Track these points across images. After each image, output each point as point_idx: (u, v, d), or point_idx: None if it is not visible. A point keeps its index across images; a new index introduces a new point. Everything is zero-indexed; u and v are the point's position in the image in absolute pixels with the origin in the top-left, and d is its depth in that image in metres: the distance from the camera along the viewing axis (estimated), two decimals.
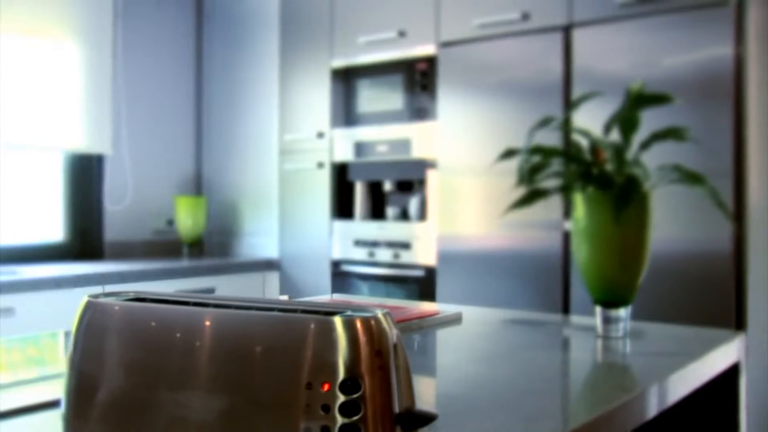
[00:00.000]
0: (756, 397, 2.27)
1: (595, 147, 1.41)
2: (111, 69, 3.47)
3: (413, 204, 3.17)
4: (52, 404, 0.92)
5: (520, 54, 2.73)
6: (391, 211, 3.25)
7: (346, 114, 3.33)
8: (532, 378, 1.13)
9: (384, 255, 3.17)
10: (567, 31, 2.61)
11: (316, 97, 3.40)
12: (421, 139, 3.05)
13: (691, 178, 1.45)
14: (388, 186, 3.27)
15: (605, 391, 1.07)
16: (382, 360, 0.60)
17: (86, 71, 3.36)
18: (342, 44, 3.30)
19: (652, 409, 1.07)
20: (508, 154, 1.51)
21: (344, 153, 3.30)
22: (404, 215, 3.24)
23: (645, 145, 1.43)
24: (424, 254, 3.05)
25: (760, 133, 2.45)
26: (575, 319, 1.82)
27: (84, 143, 3.37)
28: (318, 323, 0.61)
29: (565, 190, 1.51)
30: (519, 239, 2.73)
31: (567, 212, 2.59)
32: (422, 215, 3.13)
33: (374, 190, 3.38)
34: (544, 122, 1.44)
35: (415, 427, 0.61)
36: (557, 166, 1.54)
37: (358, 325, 0.60)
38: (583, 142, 1.50)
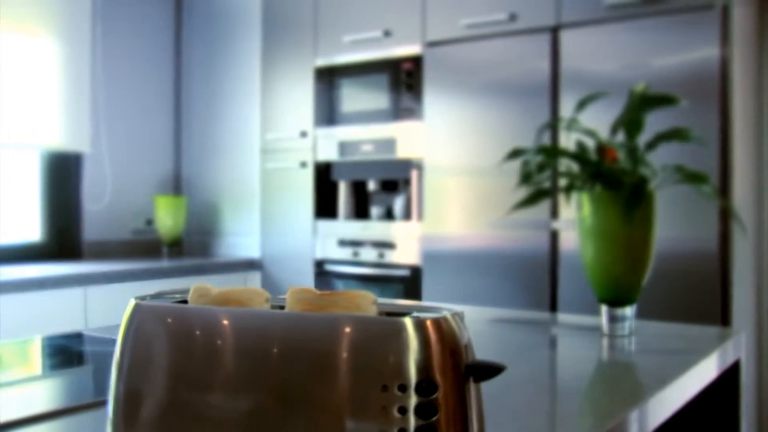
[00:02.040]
0: (744, 391, 2.31)
1: (602, 147, 1.43)
2: (89, 66, 3.41)
3: (398, 204, 3.17)
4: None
5: (508, 54, 2.74)
6: (375, 210, 3.25)
7: (329, 113, 3.32)
8: (552, 377, 1.14)
9: (368, 254, 3.16)
10: (555, 32, 2.63)
11: (299, 96, 3.39)
12: (406, 138, 3.05)
13: (694, 178, 1.47)
14: (372, 186, 3.27)
15: (629, 390, 1.08)
16: (456, 360, 0.60)
17: (64, 68, 3.30)
18: (326, 43, 3.29)
19: (674, 406, 1.09)
20: (515, 154, 1.52)
21: (328, 152, 3.29)
22: (388, 215, 3.24)
23: (651, 145, 1.44)
24: (408, 254, 3.05)
25: (746, 134, 2.49)
26: (574, 318, 1.84)
27: (62, 141, 3.31)
28: (389, 325, 0.60)
29: (568, 190, 1.52)
30: (506, 239, 2.74)
31: (554, 212, 2.61)
32: (407, 215, 3.13)
33: (358, 189, 3.37)
34: (552, 123, 1.45)
35: (485, 378, 0.61)
36: (561, 167, 1.55)
37: (429, 326, 0.60)
38: (589, 142, 1.51)
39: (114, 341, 1.39)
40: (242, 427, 0.64)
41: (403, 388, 0.58)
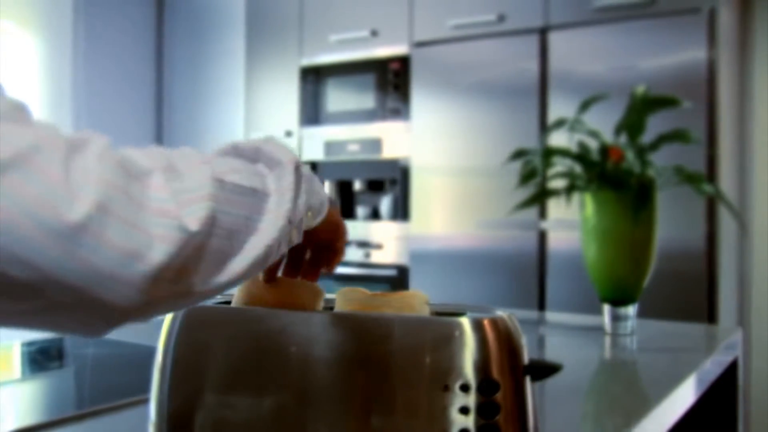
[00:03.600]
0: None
1: (607, 147, 1.44)
2: (71, 64, 3.36)
3: (385, 203, 3.17)
4: None
5: (496, 55, 2.76)
6: (361, 210, 3.24)
7: (315, 113, 3.31)
8: (567, 376, 1.15)
9: (355, 254, 3.16)
10: (543, 33, 2.65)
11: (284, 96, 3.37)
12: (393, 138, 3.05)
13: (694, 179, 1.49)
14: (358, 185, 3.26)
15: (646, 388, 1.09)
16: (515, 359, 0.60)
17: (46, 66, 3.24)
18: (312, 42, 3.28)
19: (687, 403, 1.10)
20: (519, 154, 1.53)
21: (313, 152, 3.28)
22: (375, 215, 3.24)
23: (653, 146, 1.46)
24: (396, 253, 3.05)
25: (732, 134, 2.54)
26: (568, 317, 1.85)
27: None
28: (449, 325, 0.60)
29: (570, 191, 1.54)
30: (493, 239, 2.76)
31: (543, 212, 2.63)
32: (394, 215, 3.13)
33: (344, 189, 3.36)
34: (558, 124, 1.47)
35: (542, 377, 0.62)
36: (562, 167, 1.57)
37: (487, 325, 0.60)
38: (589, 143, 1.53)
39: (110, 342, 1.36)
40: (296, 430, 0.63)
41: (465, 387, 0.58)
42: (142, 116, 3.78)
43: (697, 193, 1.55)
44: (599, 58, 2.54)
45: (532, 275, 2.68)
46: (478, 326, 0.60)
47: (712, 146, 2.37)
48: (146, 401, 0.95)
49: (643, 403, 0.97)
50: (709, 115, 2.37)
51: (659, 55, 2.44)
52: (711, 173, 2.37)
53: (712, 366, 1.30)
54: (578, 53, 2.58)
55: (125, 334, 1.55)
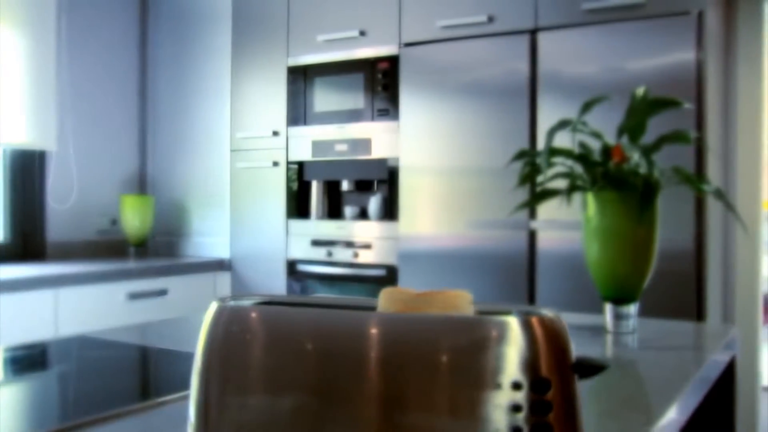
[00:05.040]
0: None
1: (610, 148, 1.46)
2: (55, 62, 3.31)
3: (373, 203, 3.17)
4: None
5: (486, 56, 2.78)
6: (348, 210, 3.24)
7: (303, 113, 3.30)
8: None
9: (343, 254, 3.16)
10: (533, 34, 2.67)
11: (271, 95, 3.36)
12: (382, 138, 3.06)
13: (693, 179, 1.52)
14: (345, 185, 3.26)
15: (657, 385, 1.11)
16: (565, 357, 0.61)
17: (29, 63, 3.20)
18: (299, 42, 3.27)
19: (698, 399, 1.12)
20: (521, 155, 1.54)
21: (301, 152, 3.27)
22: (363, 215, 3.24)
23: (654, 147, 1.48)
24: (384, 254, 3.05)
25: (720, 135, 2.58)
26: (564, 316, 1.87)
27: (27, 138, 3.21)
28: (499, 325, 0.61)
29: (570, 191, 1.55)
30: (483, 238, 2.77)
31: (532, 212, 2.65)
32: (382, 215, 3.14)
33: (331, 189, 3.36)
34: (561, 124, 1.48)
35: (590, 375, 0.63)
36: (561, 168, 1.58)
37: (536, 323, 0.61)
38: (592, 144, 1.54)
39: (113, 343, 1.35)
40: (341, 430, 0.63)
41: (517, 386, 0.59)
42: (127, 115, 3.75)
43: (695, 193, 1.57)
44: (589, 59, 2.56)
45: (521, 275, 2.70)
46: (527, 325, 0.61)
47: (701, 147, 2.40)
48: (141, 410, 0.93)
49: (658, 401, 0.98)
50: (697, 116, 2.40)
51: (648, 57, 2.47)
52: (699, 174, 2.40)
53: (715, 364, 1.32)
54: (568, 54, 2.60)
55: (119, 333, 1.53)
